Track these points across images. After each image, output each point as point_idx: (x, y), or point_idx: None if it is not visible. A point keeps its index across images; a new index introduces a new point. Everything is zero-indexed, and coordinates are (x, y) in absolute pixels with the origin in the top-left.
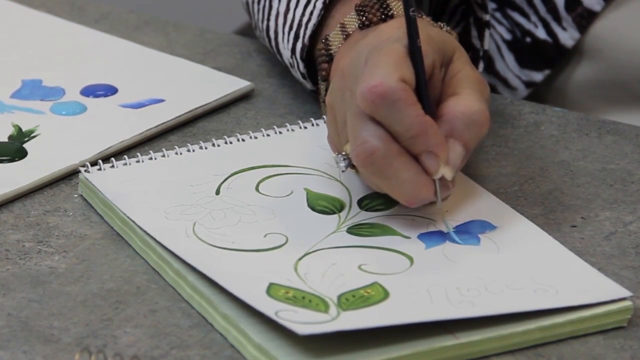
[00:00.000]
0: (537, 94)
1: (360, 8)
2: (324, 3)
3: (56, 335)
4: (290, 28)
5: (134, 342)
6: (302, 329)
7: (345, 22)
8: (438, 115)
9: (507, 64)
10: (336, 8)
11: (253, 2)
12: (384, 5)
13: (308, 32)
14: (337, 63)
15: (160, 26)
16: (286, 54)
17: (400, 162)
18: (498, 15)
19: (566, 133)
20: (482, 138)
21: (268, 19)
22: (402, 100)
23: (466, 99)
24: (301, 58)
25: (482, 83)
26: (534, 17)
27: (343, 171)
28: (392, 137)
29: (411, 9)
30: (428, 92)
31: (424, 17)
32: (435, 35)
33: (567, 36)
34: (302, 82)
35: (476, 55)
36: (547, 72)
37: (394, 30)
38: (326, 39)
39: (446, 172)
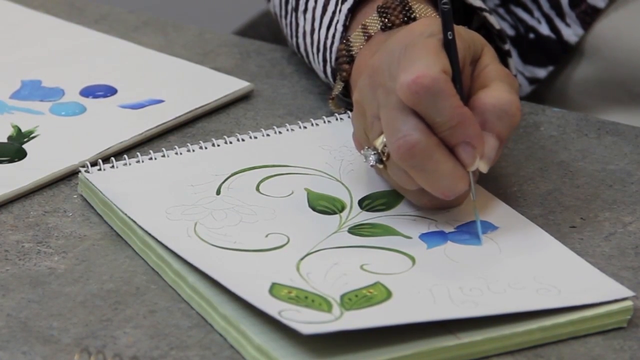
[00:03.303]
0: (537, 91)
1: (382, 10)
2: (344, 26)
3: (55, 336)
4: (318, 50)
5: (134, 343)
6: (306, 329)
7: (367, 24)
8: (469, 108)
9: None
10: (357, 8)
11: (280, 16)
12: (407, 8)
13: (334, 56)
14: (363, 62)
15: (159, 26)
16: (320, 74)
17: (439, 155)
18: (501, 11)
19: (565, 134)
20: (514, 129)
21: (297, 36)
22: (444, 91)
23: (496, 91)
24: (334, 80)
25: (510, 76)
26: (537, 13)
27: (372, 166)
28: (430, 130)
29: (442, 1)
30: (462, 84)
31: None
32: (464, 33)
33: (571, 32)
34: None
35: None
36: (550, 68)
37: (425, 27)
38: (347, 40)
39: (481, 165)
